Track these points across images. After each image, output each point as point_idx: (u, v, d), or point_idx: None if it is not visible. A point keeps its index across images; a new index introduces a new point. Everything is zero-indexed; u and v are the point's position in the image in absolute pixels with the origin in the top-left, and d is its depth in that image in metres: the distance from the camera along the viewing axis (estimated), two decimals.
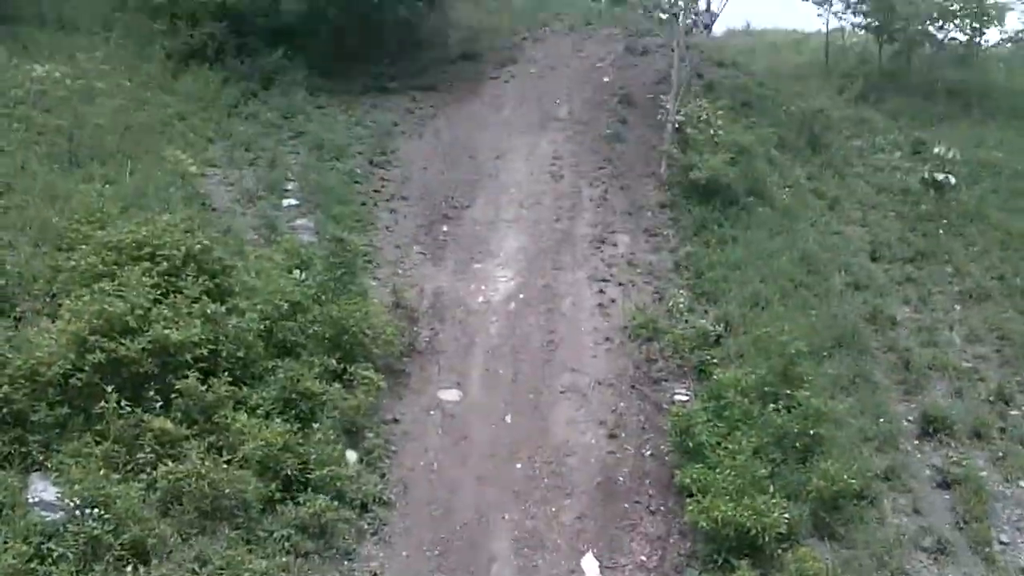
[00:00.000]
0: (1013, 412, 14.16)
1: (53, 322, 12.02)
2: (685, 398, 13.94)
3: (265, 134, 19.79)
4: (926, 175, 19.88)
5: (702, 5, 31.43)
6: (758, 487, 11.62)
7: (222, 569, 10.27)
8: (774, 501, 11.42)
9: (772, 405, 12.92)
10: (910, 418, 13.95)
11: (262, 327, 12.99)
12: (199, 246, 13.21)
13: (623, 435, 13.24)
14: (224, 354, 12.38)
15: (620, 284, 16.69)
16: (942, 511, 12.44)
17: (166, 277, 12.69)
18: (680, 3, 25.10)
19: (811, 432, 12.50)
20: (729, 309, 15.72)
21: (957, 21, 27.56)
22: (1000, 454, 13.34)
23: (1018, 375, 14.89)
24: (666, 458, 12.80)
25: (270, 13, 23.78)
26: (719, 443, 12.37)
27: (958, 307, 16.67)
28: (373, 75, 23.37)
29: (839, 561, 11.25)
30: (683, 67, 22.24)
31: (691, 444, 12.35)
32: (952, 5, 26.98)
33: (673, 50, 22.72)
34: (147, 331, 11.78)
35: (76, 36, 21.37)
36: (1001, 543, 12.05)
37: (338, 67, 23.51)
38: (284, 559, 10.72)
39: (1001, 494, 12.74)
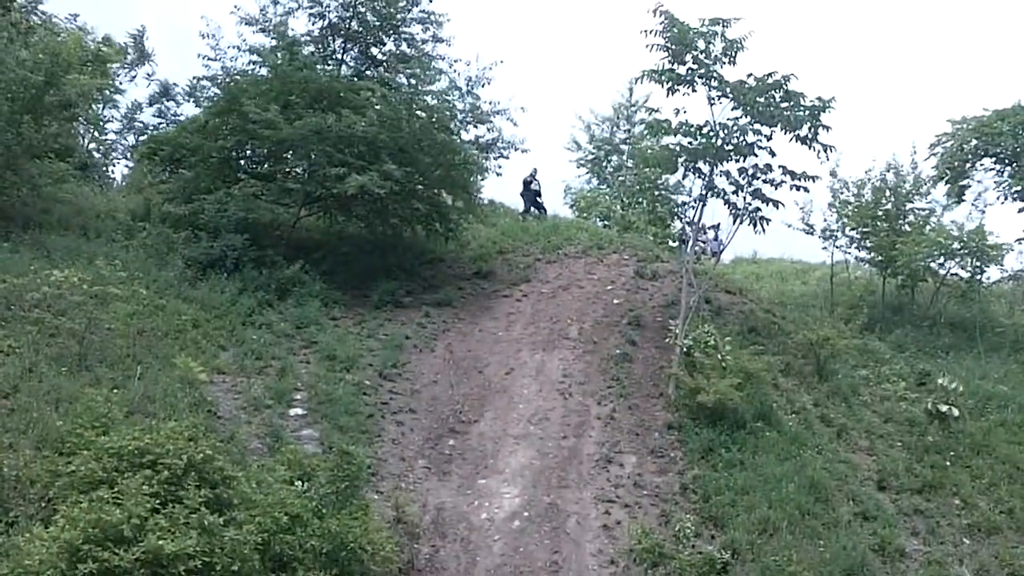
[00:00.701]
0: None
1: (47, 528, 11.83)
2: None
3: (277, 343, 20.09)
4: (930, 406, 19.95)
5: (711, 235, 32.52)
6: None
7: None
8: None
9: None
10: None
11: (259, 540, 12.77)
12: (201, 455, 13.13)
13: None
14: (219, 567, 12.09)
15: (626, 505, 16.50)
16: None
17: (166, 486, 12.56)
18: (689, 232, 25.88)
19: None
20: (736, 535, 15.48)
21: (958, 259, 28.31)
22: None
23: None
24: None
25: (290, 228, 24.66)
26: None
27: (967, 540, 16.41)
28: (388, 290, 23.87)
29: None
30: (691, 292, 22.73)
31: None
32: (953, 244, 27.77)
33: (683, 276, 23.29)
34: (142, 541, 11.61)
35: (97, 244, 22.09)
36: None
37: (354, 281, 24.14)
38: None
39: None
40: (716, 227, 30.57)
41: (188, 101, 28.28)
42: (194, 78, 26.06)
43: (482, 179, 28.52)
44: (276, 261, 22.94)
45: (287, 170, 25.71)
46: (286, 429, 17.00)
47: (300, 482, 14.46)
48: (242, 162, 25.84)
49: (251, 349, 19.44)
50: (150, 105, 34.44)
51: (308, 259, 23.40)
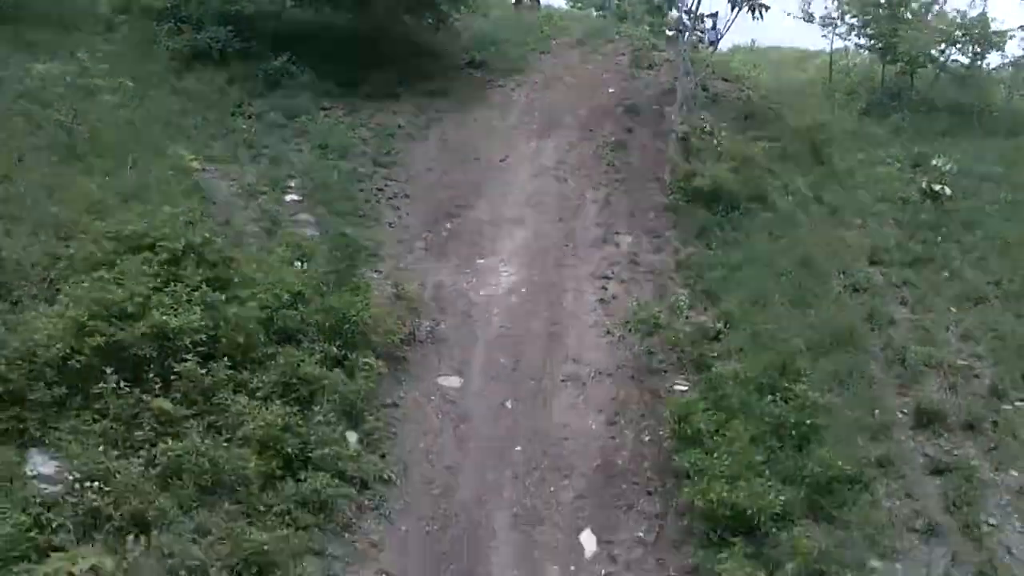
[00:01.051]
0: (1006, 407, 14.17)
1: (51, 307, 12.08)
2: (684, 388, 14.01)
3: (268, 133, 19.90)
4: (924, 185, 19.98)
5: (708, 23, 31.82)
6: (754, 471, 11.70)
7: (222, 539, 10.34)
8: (770, 484, 11.48)
9: (770, 396, 13.01)
10: (904, 411, 13.97)
11: (262, 315, 13.07)
12: (200, 238, 13.33)
13: (622, 421, 13.32)
14: (224, 340, 12.47)
15: (622, 281, 16.76)
16: (933, 496, 12.47)
17: (166, 267, 12.80)
18: (686, 20, 25.32)
19: (807, 422, 12.59)
20: (729, 307, 15.77)
21: (959, 45, 27.86)
22: (992, 445, 13.37)
23: (1011, 373, 14.86)
24: (664, 444, 12.86)
25: (276, 20, 24.04)
26: (717, 430, 12.44)
27: (954, 309, 16.70)
28: (379, 80, 23.44)
29: (832, 541, 11.25)
30: (688, 80, 22.43)
31: (689, 431, 12.42)
32: (955, 31, 27.29)
33: (679, 64, 22.95)
34: (146, 317, 11.87)
35: (78, 37, 21.47)
36: (989, 525, 12.06)
37: (343, 73, 23.66)
38: (284, 531, 10.77)
39: (991, 481, 12.75)
40: (714, 15, 29.81)
41: None
42: None
43: None
44: (262, 53, 22.43)
45: None
46: (282, 214, 17.04)
47: (299, 262, 14.68)
48: None
49: (243, 139, 19.30)
50: None
51: (295, 51, 22.88)
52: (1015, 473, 12.94)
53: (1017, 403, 14.35)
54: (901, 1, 28.60)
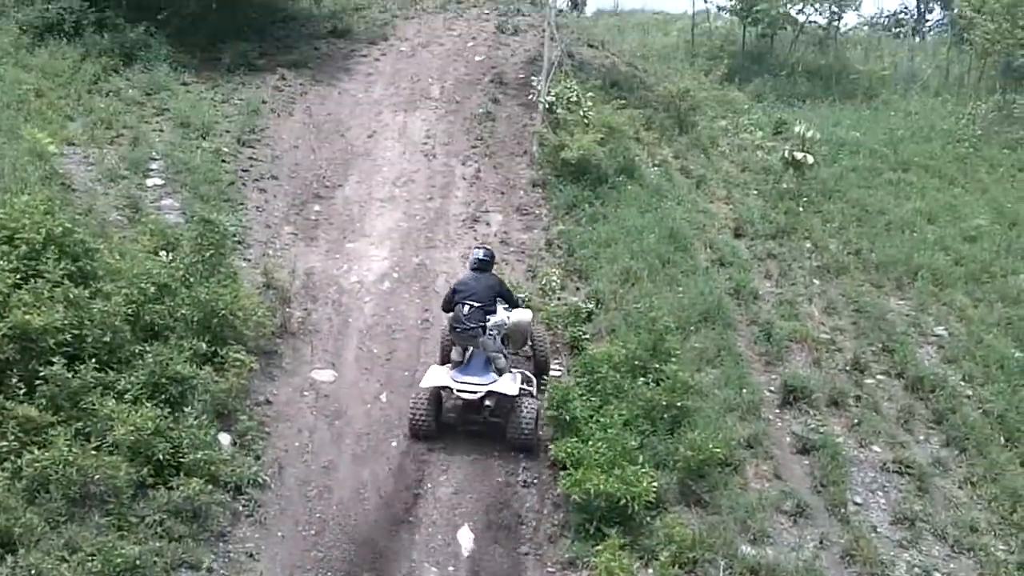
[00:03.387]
0: (868, 381, 14.78)
1: None
2: (558, 373, 14.14)
3: (127, 111, 19.16)
4: (786, 154, 20.49)
5: None
6: (628, 458, 11.87)
7: (92, 555, 9.98)
8: (643, 471, 11.66)
9: (642, 378, 13.21)
10: (772, 388, 14.42)
11: (128, 311, 12.62)
12: (60, 228, 12.73)
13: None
14: (90, 339, 12.00)
15: None
16: (801, 476, 12.88)
17: (25, 261, 12.22)
18: None
19: (679, 404, 12.83)
20: (600, 286, 15.96)
21: (817, 5, 28.54)
22: (856, 421, 13.90)
23: (873, 345, 15.53)
24: (541, 432, 12.98)
25: None
26: (592, 416, 12.58)
27: (817, 281, 17.28)
28: (240, 52, 22.85)
29: (705, 526, 11.53)
30: (554, 47, 22.46)
31: (566, 418, 12.54)
32: None
33: (544, 30, 22.94)
34: (7, 317, 11.38)
35: None
36: (856, 504, 12.55)
37: (203, 43, 23.03)
38: (157, 544, 10.45)
39: (856, 459, 13.27)
40: None
41: None
42: None
43: None
44: (118, 24, 21.61)
45: None
46: (145, 200, 16.46)
47: (165, 252, 14.24)
48: None
49: (100, 118, 18.49)
50: None
51: (153, 20, 22.09)
52: (878, 449, 13.50)
53: (879, 376, 14.98)
54: None
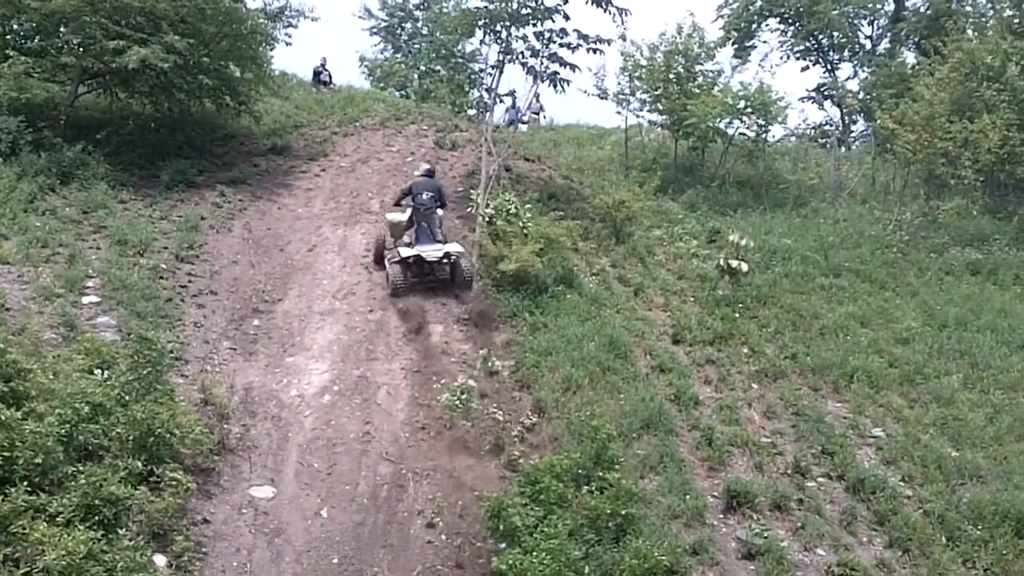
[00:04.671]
0: (809, 484, 14.80)
1: None
2: (503, 484, 14.01)
3: (64, 230, 19.07)
4: (721, 262, 20.87)
5: (530, 102, 32.68)
6: (574, 568, 11.71)
7: None
8: None
9: (586, 487, 13.15)
10: (715, 493, 14.38)
11: (62, 431, 12.35)
12: None
13: (440, 523, 13.16)
14: (21, 461, 11.69)
15: (435, 373, 16.72)
16: None
17: None
18: (487, 99, 25.91)
19: (623, 512, 12.74)
20: (542, 395, 15.97)
21: (744, 119, 29.39)
22: (799, 524, 13.87)
23: (813, 448, 15.61)
24: (481, 545, 12.81)
25: (69, 108, 23.28)
26: (535, 526, 12.45)
27: (755, 385, 17.44)
28: (179, 169, 22.97)
29: None
30: (491, 161, 22.90)
31: (503, 527, 12.39)
32: (739, 104, 28.78)
33: (482, 145, 23.38)
34: None
35: None
36: None
37: (142, 161, 23.14)
38: None
39: (801, 563, 13.19)
40: (512, 93, 30.66)
41: None
42: None
43: (272, 49, 27.56)
44: (56, 143, 21.66)
45: (60, 45, 24.07)
46: (80, 318, 16.28)
47: (100, 370, 13.99)
48: (9, 38, 23.93)
49: (36, 237, 18.36)
50: None
51: (91, 140, 22.20)
52: (822, 552, 13.43)
53: (820, 479, 15.00)
54: (689, 77, 30.09)
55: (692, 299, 20.64)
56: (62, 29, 23.19)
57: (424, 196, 20.13)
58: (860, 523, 14.22)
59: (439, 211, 20.39)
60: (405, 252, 19.35)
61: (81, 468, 12.21)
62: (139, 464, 12.65)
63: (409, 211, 20.35)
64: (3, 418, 11.74)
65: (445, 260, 19.54)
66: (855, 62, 43.95)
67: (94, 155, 21.83)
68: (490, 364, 16.93)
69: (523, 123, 33.72)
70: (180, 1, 23.03)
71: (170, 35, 22.27)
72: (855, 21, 43.68)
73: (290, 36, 27.12)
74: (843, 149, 36.94)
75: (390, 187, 24.24)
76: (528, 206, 21.86)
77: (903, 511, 14.29)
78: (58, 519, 11.51)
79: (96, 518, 11.75)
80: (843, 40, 43.38)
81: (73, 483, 11.99)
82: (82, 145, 21.77)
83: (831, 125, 40.38)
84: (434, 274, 19.68)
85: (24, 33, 24.42)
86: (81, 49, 23.34)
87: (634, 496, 13.09)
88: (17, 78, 22.44)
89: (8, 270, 17.19)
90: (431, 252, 19.38)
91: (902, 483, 15.05)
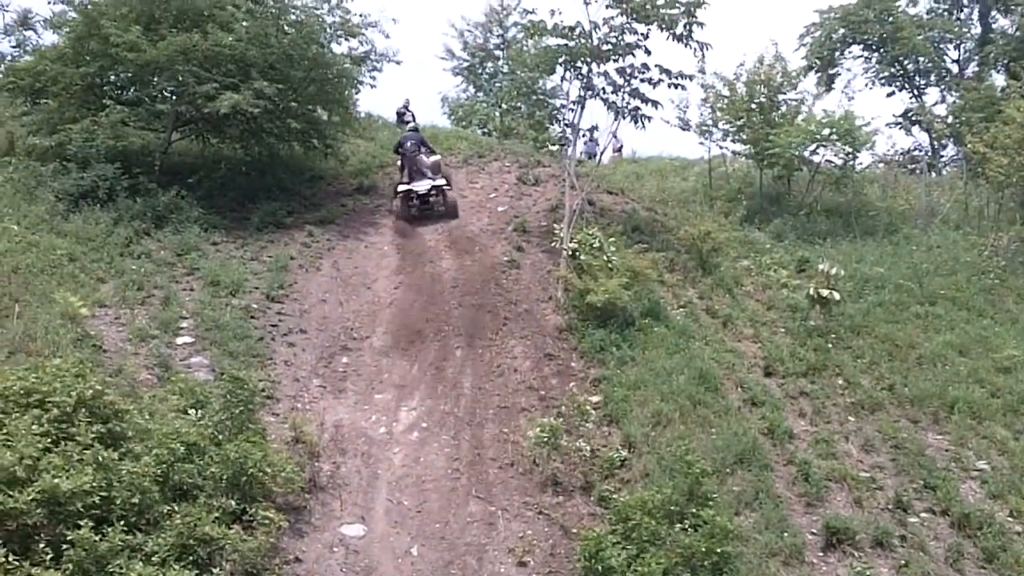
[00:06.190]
0: (912, 519, 14.37)
1: None
2: (593, 522, 13.86)
3: (159, 272, 19.56)
4: (812, 291, 20.47)
5: (588, 136, 32.67)
6: None
7: None
8: None
9: (679, 525, 12.93)
10: (814, 530, 14.04)
11: (158, 471, 12.56)
12: (90, 391, 12.75)
13: (532, 562, 13.07)
14: (118, 501, 11.90)
15: (523, 410, 16.68)
16: None
17: (57, 424, 12.21)
18: (568, 135, 25.98)
19: (719, 550, 12.49)
20: (632, 430, 15.82)
21: (830, 146, 28.91)
22: (903, 562, 13.46)
23: (914, 483, 15.16)
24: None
25: (163, 154, 23.92)
26: (629, 565, 12.28)
27: (852, 418, 17.01)
28: (269, 211, 23.45)
29: None
30: (574, 195, 22.87)
31: (600, 568, 12.23)
32: (824, 131, 28.33)
33: (565, 179, 23.41)
34: (36, 481, 11.34)
35: None
36: None
37: (233, 204, 23.66)
38: None
39: None
40: (594, 128, 30.50)
41: (48, 30, 27.12)
42: (51, 1, 24.78)
43: (357, 92, 28.01)
44: (150, 188, 22.28)
45: (155, 94, 24.82)
46: (175, 358, 16.64)
47: (194, 410, 14.23)
48: (107, 88, 24.72)
49: (132, 280, 18.87)
50: (6, 35, 32.96)
51: (184, 184, 22.79)
52: None
53: (923, 514, 14.57)
54: (772, 106, 29.75)
55: (783, 330, 20.25)
56: (156, 78, 23.94)
57: (408, 144, 25.61)
58: (967, 560, 13.75)
59: (424, 156, 25.57)
60: (401, 188, 24.91)
61: (176, 507, 12.41)
62: (232, 503, 12.82)
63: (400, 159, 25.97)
64: (101, 459, 11.97)
65: (434, 191, 24.72)
66: (942, 86, 43.12)
67: (187, 199, 22.37)
68: (578, 399, 16.81)
69: (591, 156, 33.64)
70: (269, 48, 23.66)
71: (260, 81, 22.88)
72: (941, 45, 42.91)
73: (375, 79, 27.48)
74: (933, 174, 36.13)
75: (474, 223, 24.38)
76: (612, 239, 21.77)
77: (1012, 547, 13.79)
78: (154, 559, 11.67)
79: (191, 558, 11.90)
80: (929, 65, 42.59)
81: (168, 523, 12.18)
82: (176, 190, 22.35)
83: (920, 150, 39.53)
84: (430, 205, 24.94)
85: (120, 83, 25.25)
86: (175, 97, 24.12)
87: (730, 533, 12.84)
88: (114, 127, 23.11)
89: (105, 312, 17.66)
90: (421, 186, 24.72)
91: (1010, 518, 14.54)
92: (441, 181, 24.93)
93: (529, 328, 19.44)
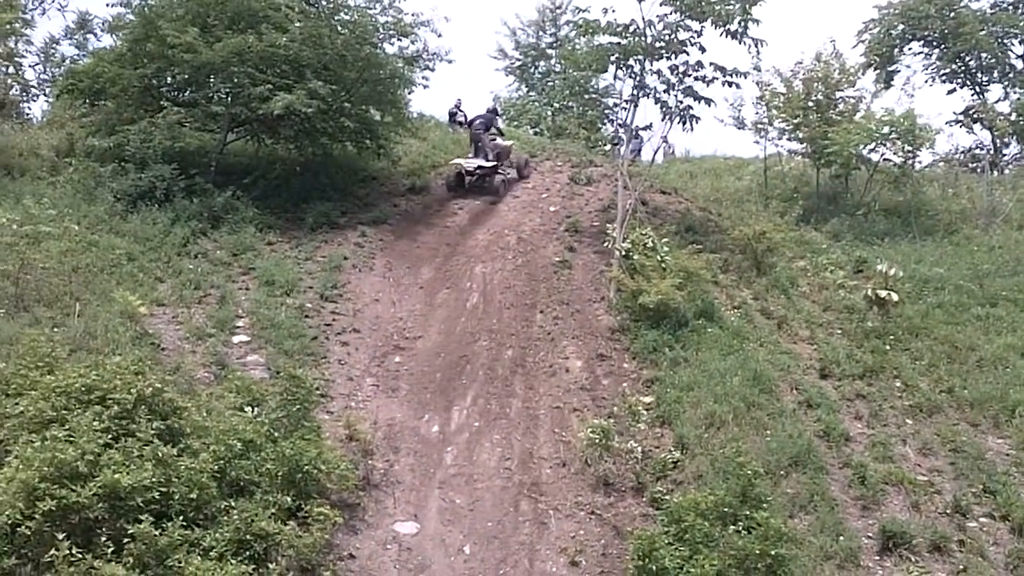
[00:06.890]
0: (971, 524, 14.12)
1: (1, 469, 11.73)
2: (645, 522, 13.80)
3: (215, 272, 19.85)
4: (869, 292, 20.19)
5: (635, 135, 32.50)
6: None
7: None
8: None
9: (732, 527, 12.79)
10: (870, 534, 13.85)
11: (215, 467, 12.75)
12: (150, 388, 13.02)
13: (584, 562, 13.06)
14: (177, 496, 12.13)
15: (575, 410, 16.65)
16: None
17: (117, 421, 12.48)
18: (621, 134, 25.85)
19: (773, 553, 12.34)
20: (685, 431, 15.71)
21: (889, 144, 28.49)
22: (961, 567, 13.23)
23: (973, 487, 14.87)
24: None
25: (218, 154, 24.22)
26: (682, 567, 12.19)
27: (910, 421, 16.74)
28: (322, 211, 23.64)
29: None
30: (627, 195, 22.75)
31: (654, 569, 12.16)
32: (883, 129, 27.91)
33: (618, 179, 23.30)
34: (97, 476, 11.56)
35: (22, 182, 21.67)
36: None
37: (287, 204, 23.88)
38: None
39: None
40: (648, 127, 30.34)
41: (106, 33, 27.58)
42: (109, 4, 25.13)
43: (410, 92, 28.12)
44: (207, 189, 22.60)
45: (210, 95, 25.13)
46: (231, 356, 16.87)
47: (250, 408, 14.43)
48: (164, 90, 25.07)
49: (189, 279, 19.19)
50: (67, 38, 33.55)
51: (239, 185, 23.07)
52: None
53: (982, 519, 14.31)
54: (830, 104, 29.39)
55: (839, 331, 19.97)
56: (212, 79, 24.25)
57: (477, 122, 28.10)
58: None
59: (489, 138, 27.34)
60: (453, 162, 27.21)
61: (233, 503, 12.60)
62: (288, 499, 12.96)
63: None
64: (160, 455, 12.20)
65: (477, 170, 26.54)
66: (1005, 83, 42.23)
67: (242, 199, 22.66)
68: (630, 400, 16.74)
69: (637, 154, 33.45)
70: (322, 49, 23.86)
71: (313, 82, 23.08)
72: (1004, 41, 42.04)
73: (427, 79, 27.57)
74: (995, 173, 35.40)
75: (526, 223, 24.36)
76: (665, 239, 21.66)
77: None
78: (212, 553, 11.87)
79: (247, 553, 12.08)
80: (992, 61, 41.74)
81: (225, 518, 12.37)
82: (231, 190, 22.64)
83: (982, 148, 38.74)
84: (478, 180, 26.77)
85: (177, 85, 25.62)
86: (230, 98, 24.40)
87: (784, 536, 12.67)
88: (171, 128, 23.51)
89: (163, 311, 17.94)
90: (467, 164, 26.63)
91: None
92: (484, 163, 26.61)
93: (581, 329, 19.39)
